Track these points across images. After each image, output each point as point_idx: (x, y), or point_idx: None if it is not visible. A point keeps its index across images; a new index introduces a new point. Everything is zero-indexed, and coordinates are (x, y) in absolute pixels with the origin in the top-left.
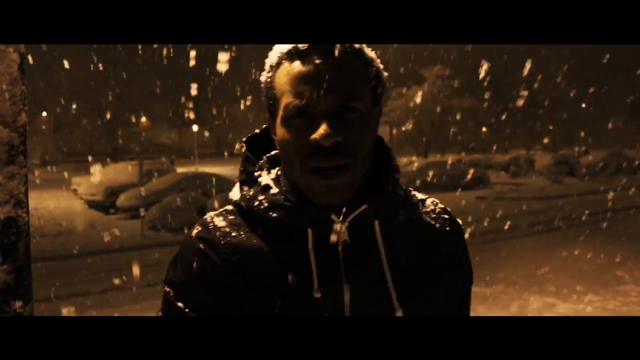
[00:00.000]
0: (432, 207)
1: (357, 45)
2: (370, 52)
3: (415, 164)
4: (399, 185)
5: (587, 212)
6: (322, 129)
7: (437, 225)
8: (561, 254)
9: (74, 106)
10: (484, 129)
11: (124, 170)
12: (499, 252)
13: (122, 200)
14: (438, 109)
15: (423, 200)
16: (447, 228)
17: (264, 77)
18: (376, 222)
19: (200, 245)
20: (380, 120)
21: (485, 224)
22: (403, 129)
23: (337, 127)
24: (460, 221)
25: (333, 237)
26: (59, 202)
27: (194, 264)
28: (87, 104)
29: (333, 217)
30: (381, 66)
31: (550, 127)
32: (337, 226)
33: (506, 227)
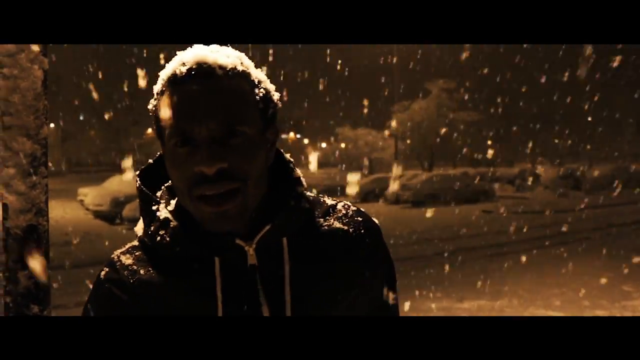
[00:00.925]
0: (344, 212)
1: (241, 68)
2: (258, 73)
3: (421, 177)
4: (304, 197)
5: (593, 226)
6: (204, 156)
7: (351, 229)
8: (567, 268)
9: (81, 117)
10: (489, 142)
11: (129, 181)
12: (504, 265)
13: (128, 211)
14: (443, 122)
15: (334, 206)
16: (362, 230)
17: (150, 104)
18: (284, 240)
19: (109, 287)
20: (276, 141)
21: (491, 237)
22: (408, 142)
23: (220, 153)
24: (376, 220)
25: (249, 261)
26: (65, 212)
27: (106, 307)
28: (94, 115)
29: (239, 241)
30: (271, 87)
31: (556, 141)
32: (245, 250)
33: (511, 240)
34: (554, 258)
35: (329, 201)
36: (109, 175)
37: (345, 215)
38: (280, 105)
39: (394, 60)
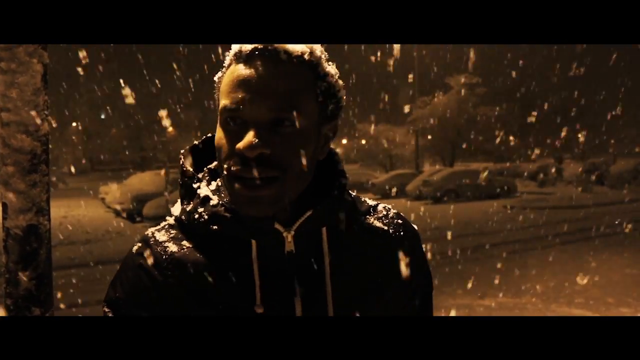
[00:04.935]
0: (385, 213)
1: (308, 57)
2: (327, 67)
3: (442, 173)
4: (346, 190)
5: (617, 221)
6: (248, 138)
7: (391, 230)
8: (590, 264)
9: (102, 116)
10: (511, 138)
11: (150, 179)
12: (526, 262)
13: (148, 209)
14: (464, 117)
15: (374, 207)
16: (402, 233)
17: (217, 77)
18: (324, 230)
19: (141, 262)
20: (334, 137)
21: (512, 233)
22: (429, 137)
23: (265, 138)
24: (415, 227)
25: (287, 247)
26: (87, 211)
27: (135, 282)
28: (116, 114)
29: (277, 226)
30: (339, 82)
31: (579, 135)
32: (283, 235)
33: (533, 237)
34: (577, 254)
35: (370, 202)
36: (130, 173)
37: (386, 216)
38: (344, 103)
39: (414, 56)
